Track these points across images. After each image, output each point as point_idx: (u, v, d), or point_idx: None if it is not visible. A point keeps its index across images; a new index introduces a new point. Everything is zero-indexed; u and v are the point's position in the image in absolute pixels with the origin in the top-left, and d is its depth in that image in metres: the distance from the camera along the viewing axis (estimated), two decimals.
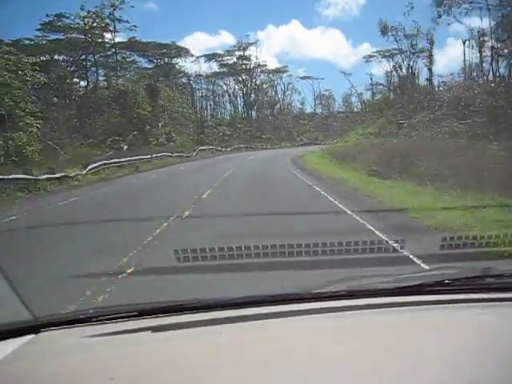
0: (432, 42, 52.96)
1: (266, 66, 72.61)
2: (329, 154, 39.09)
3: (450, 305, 2.03)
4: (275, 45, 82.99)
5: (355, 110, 74.15)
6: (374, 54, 67.61)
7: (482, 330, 1.84)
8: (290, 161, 36.56)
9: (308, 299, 2.08)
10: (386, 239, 6.95)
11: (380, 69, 71.62)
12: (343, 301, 2.05)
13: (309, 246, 5.68)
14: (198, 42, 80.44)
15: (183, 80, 72.36)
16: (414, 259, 6.11)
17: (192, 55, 71.20)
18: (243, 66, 72.55)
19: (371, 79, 73.14)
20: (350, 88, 72.33)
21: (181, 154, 49.06)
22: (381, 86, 69.56)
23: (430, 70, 54.27)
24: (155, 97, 55.35)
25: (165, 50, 67.93)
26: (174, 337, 1.83)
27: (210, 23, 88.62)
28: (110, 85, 54.58)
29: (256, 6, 76.54)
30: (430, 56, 54.18)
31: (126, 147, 45.55)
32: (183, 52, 70.28)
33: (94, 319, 1.94)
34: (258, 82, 74.59)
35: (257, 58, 71.56)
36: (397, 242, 6.38)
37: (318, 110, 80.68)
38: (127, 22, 57.03)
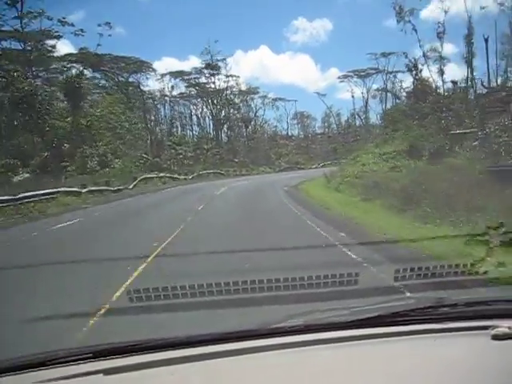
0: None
1: (238, 77, 66.14)
2: (349, 187, 25.35)
3: (406, 336, 2.03)
4: (245, 70, 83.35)
5: (335, 131, 73.03)
6: (350, 74, 68.12)
7: (436, 360, 1.84)
8: (292, 201, 22.02)
9: (265, 335, 2.05)
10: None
11: (354, 89, 72.54)
12: (301, 335, 2.03)
13: (263, 282, 5.65)
14: (166, 67, 78.03)
15: (147, 100, 63.16)
16: None
17: (154, 70, 62.34)
18: (212, 85, 65.85)
19: (353, 97, 73.32)
20: (330, 108, 70.87)
21: (101, 188, 32.87)
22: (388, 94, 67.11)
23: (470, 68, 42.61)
24: (78, 102, 40.26)
25: (123, 64, 57.98)
26: (125, 379, 1.78)
27: (179, 48, 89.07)
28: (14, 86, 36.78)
29: (225, 31, 77.66)
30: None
31: (23, 177, 31.62)
32: (145, 67, 60.74)
33: (47, 363, 1.87)
34: (229, 98, 66.62)
35: (227, 77, 64.69)
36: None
37: (294, 132, 76.11)
38: (72, 25, 45.77)
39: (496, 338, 1.92)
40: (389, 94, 66.95)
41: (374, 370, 1.78)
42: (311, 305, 4.75)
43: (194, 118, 71.44)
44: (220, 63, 63.58)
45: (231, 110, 68.21)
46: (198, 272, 7.64)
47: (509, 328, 1.94)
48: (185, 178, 50.39)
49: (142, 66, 60.29)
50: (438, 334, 2.03)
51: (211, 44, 60.10)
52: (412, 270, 6.09)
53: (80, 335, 5.48)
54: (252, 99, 69.57)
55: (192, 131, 70.61)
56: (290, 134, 74.69)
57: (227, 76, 64.15)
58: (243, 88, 66.75)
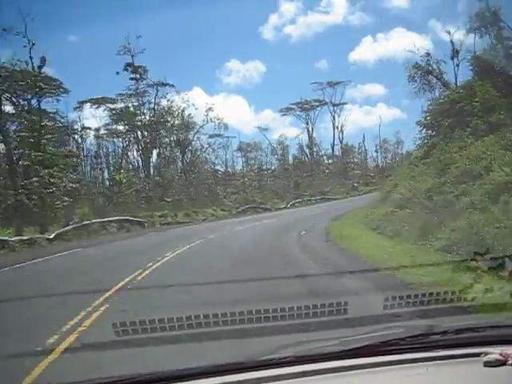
0: None
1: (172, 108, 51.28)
2: None
3: (397, 365, 2.02)
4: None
5: (287, 166, 66.00)
6: (292, 107, 63.77)
7: None
8: None
9: (255, 367, 2.02)
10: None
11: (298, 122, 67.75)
12: (291, 367, 2.00)
13: (251, 313, 5.60)
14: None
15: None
16: None
17: (66, 90, 43.46)
18: (142, 117, 51.73)
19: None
20: (273, 144, 63.77)
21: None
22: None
23: None
24: None
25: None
26: None
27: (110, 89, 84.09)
28: None
29: (157, 72, 77.45)
30: None
31: None
32: (53, 87, 41.36)
33: None
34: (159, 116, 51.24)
35: (155, 107, 51.01)
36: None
37: (238, 167, 64.32)
38: None
39: (488, 364, 1.91)
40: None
41: None
42: (301, 335, 4.71)
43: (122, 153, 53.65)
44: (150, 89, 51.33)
45: (161, 131, 52.68)
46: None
47: (500, 354, 1.93)
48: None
49: (50, 85, 40.84)
50: (429, 363, 2.01)
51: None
52: (401, 298, 6.07)
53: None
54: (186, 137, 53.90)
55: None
56: (224, 169, 61.33)
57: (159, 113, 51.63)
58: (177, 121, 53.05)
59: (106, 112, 53.17)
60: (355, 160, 72.87)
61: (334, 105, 63.97)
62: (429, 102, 31.93)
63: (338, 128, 64.57)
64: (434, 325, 2.32)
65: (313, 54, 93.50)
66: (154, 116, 51.48)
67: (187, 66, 78.69)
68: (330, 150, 67.11)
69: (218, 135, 56.61)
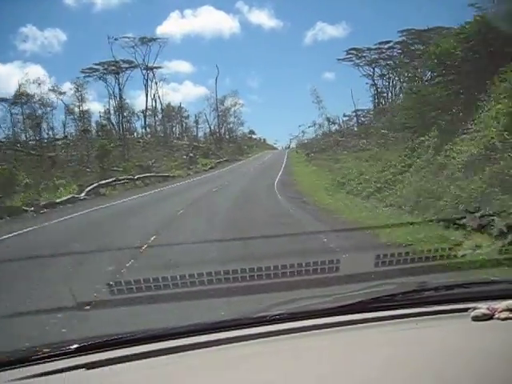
0: None
1: None
2: None
3: (388, 321, 2.06)
4: None
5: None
6: (97, 67, 52.39)
7: (418, 343, 1.86)
8: None
9: (248, 324, 2.06)
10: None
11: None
12: (284, 324, 2.04)
13: (246, 271, 5.66)
14: None
15: None
16: None
17: None
18: None
19: None
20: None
21: None
22: None
23: None
24: None
25: None
26: (108, 373, 1.76)
27: None
28: None
29: None
30: None
31: None
32: None
33: (27, 359, 1.84)
34: None
35: None
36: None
37: None
38: None
39: (476, 319, 1.96)
40: None
41: (357, 355, 1.80)
42: (294, 293, 4.77)
43: None
44: None
45: None
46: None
47: (487, 309, 1.98)
48: None
49: None
50: (419, 318, 2.06)
51: None
52: (392, 255, 6.15)
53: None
54: None
55: None
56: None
57: None
58: None
59: None
60: (177, 130, 67.17)
61: (147, 68, 55.90)
62: None
63: (154, 95, 57.52)
64: (424, 281, 2.36)
65: (118, 26, 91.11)
66: None
67: None
68: (151, 119, 60.01)
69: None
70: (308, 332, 1.98)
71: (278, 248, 9.02)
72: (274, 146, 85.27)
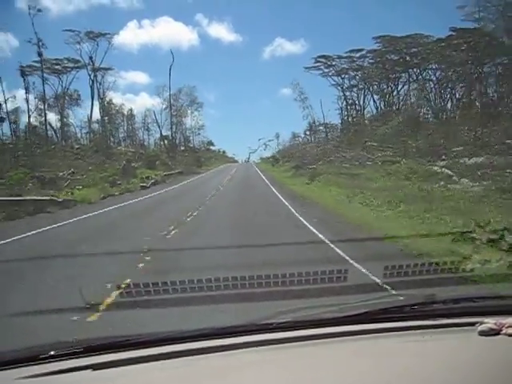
0: None
1: None
2: None
3: (395, 333, 2.06)
4: None
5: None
6: (37, 65, 46.21)
7: (424, 356, 1.86)
8: None
9: (254, 331, 2.06)
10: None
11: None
12: (290, 332, 2.04)
13: (254, 278, 5.67)
14: None
15: None
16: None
17: None
18: None
19: None
20: None
21: None
22: None
23: None
24: None
25: None
26: (114, 374, 1.76)
27: None
28: None
29: None
30: None
31: None
32: None
33: (34, 358, 1.85)
34: None
35: None
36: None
37: None
38: None
39: (482, 333, 1.95)
40: None
41: (362, 366, 1.80)
42: (300, 301, 4.77)
43: None
44: None
45: None
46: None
47: (495, 324, 1.97)
48: None
49: None
50: (426, 331, 2.05)
51: None
52: (400, 267, 6.13)
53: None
54: None
55: None
56: None
57: None
58: None
59: None
60: (121, 135, 60.72)
61: (94, 69, 49.70)
62: None
63: (102, 98, 50.90)
64: (432, 294, 2.36)
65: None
66: None
67: None
68: (96, 124, 52.44)
69: None
70: (313, 341, 1.98)
71: (287, 257, 9.01)
72: (234, 158, 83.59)
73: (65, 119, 52.17)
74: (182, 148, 65.30)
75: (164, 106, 59.46)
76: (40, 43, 42.85)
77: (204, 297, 5.41)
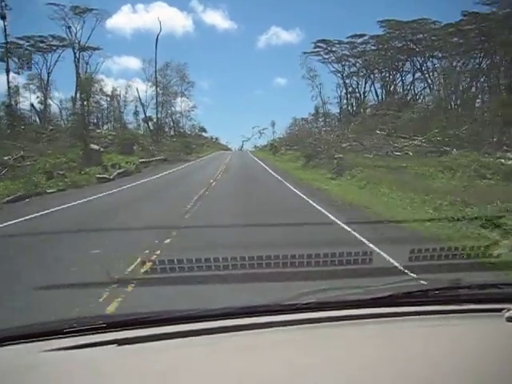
0: None
1: None
2: None
3: (419, 316, 2.05)
4: None
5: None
6: (20, 43, 44.02)
7: (449, 341, 1.85)
8: None
9: (278, 311, 2.07)
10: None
11: None
12: (314, 313, 2.04)
13: (279, 258, 5.68)
14: None
15: None
16: None
17: None
18: None
19: None
20: None
21: None
22: None
23: None
24: None
25: None
26: (140, 350, 1.79)
27: None
28: None
29: None
30: None
31: None
32: None
33: (59, 332, 1.88)
34: None
35: None
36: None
37: None
38: None
39: (510, 320, 1.93)
40: None
41: (386, 348, 1.80)
42: (325, 282, 4.78)
43: None
44: None
45: None
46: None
47: None
48: None
49: None
50: (451, 315, 2.04)
51: None
52: (427, 250, 6.08)
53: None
54: None
55: None
56: None
57: None
58: None
59: None
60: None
61: (81, 48, 46.21)
62: None
63: (78, 77, 46.21)
64: (457, 279, 2.34)
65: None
66: None
67: None
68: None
69: None
70: (337, 322, 1.98)
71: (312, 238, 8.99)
72: (228, 146, 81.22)
73: (49, 100, 48.69)
74: (172, 133, 59.89)
75: (150, 84, 54.26)
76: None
77: (227, 275, 5.45)
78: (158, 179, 28.43)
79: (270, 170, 34.02)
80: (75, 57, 45.97)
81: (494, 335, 1.91)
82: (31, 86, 48.51)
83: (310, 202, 16.46)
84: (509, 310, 1.97)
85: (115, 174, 29.07)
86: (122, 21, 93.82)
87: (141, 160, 36.75)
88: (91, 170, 28.72)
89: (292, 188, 21.95)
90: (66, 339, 1.83)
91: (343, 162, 28.67)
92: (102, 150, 32.77)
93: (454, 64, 47.01)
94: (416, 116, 42.10)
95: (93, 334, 1.87)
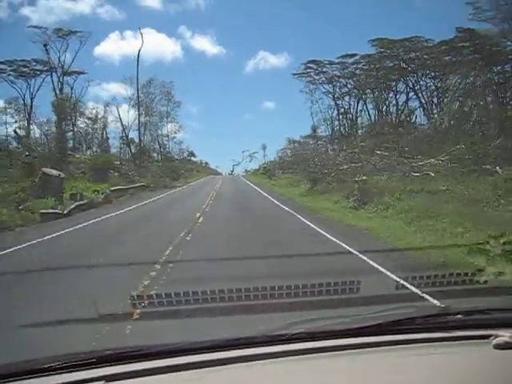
0: None
1: None
2: None
3: (407, 345, 2.04)
4: None
5: None
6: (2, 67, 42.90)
7: (437, 369, 1.84)
8: None
9: (267, 342, 2.06)
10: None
11: None
12: (302, 343, 2.03)
13: (267, 289, 5.65)
14: None
15: None
16: None
17: None
18: None
19: None
20: None
21: None
22: None
23: None
24: None
25: None
26: None
27: None
28: None
29: None
30: None
31: None
32: None
33: (47, 369, 1.85)
34: None
35: None
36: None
37: None
38: None
39: (498, 347, 1.93)
40: None
41: (375, 378, 1.79)
42: (313, 312, 4.75)
43: None
44: None
45: None
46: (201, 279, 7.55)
47: (510, 337, 1.95)
48: None
49: None
50: (439, 343, 2.04)
51: None
52: (414, 278, 6.08)
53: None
54: None
55: None
56: None
57: None
58: None
59: None
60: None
61: (65, 73, 45.32)
62: None
63: (74, 104, 45.80)
64: (445, 306, 2.34)
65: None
66: None
67: None
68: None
69: None
70: (326, 353, 1.97)
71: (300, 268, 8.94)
72: (218, 170, 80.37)
73: (31, 126, 46.91)
74: (158, 158, 57.15)
75: (133, 103, 50.71)
76: None
77: (215, 308, 5.40)
78: (126, 214, 22.34)
79: (272, 199, 28.50)
80: (58, 80, 44.74)
81: (482, 362, 1.91)
82: (9, 110, 47.50)
83: (372, 263, 9.45)
84: (496, 336, 1.97)
85: (73, 206, 22.97)
86: (110, 48, 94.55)
87: (114, 188, 31.96)
88: (42, 203, 21.67)
89: (315, 227, 15.30)
90: (55, 376, 1.80)
91: (368, 186, 22.83)
92: (62, 176, 26.71)
93: (471, 79, 45.23)
94: (421, 134, 39.19)
95: (81, 370, 1.84)
